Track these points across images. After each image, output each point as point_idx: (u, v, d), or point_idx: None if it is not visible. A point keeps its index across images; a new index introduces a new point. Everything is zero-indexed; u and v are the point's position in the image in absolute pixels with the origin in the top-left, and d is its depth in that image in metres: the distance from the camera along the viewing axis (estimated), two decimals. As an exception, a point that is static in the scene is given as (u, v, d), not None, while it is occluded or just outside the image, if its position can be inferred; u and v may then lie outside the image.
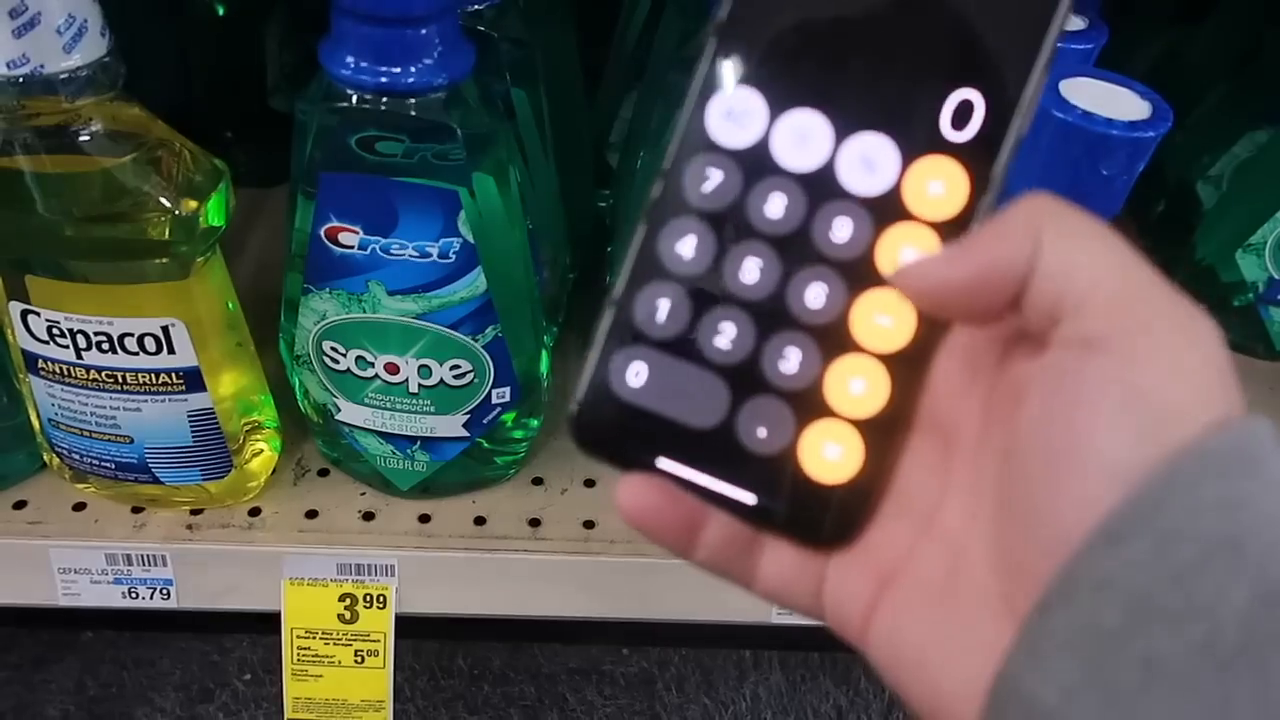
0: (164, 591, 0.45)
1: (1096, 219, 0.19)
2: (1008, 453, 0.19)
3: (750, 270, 0.21)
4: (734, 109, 0.22)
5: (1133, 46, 0.63)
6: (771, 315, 0.22)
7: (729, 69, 0.22)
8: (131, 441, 0.42)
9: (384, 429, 0.44)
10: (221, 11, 0.63)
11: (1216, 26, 0.63)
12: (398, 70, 0.34)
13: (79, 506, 0.45)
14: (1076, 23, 0.39)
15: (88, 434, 0.42)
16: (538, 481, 0.48)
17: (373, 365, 0.41)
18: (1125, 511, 0.17)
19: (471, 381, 0.42)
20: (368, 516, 0.46)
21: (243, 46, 0.63)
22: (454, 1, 0.35)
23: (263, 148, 0.61)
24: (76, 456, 0.43)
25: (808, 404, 0.21)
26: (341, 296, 0.39)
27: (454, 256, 0.38)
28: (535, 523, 0.46)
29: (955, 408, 0.21)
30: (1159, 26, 0.65)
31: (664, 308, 0.22)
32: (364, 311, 0.40)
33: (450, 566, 0.45)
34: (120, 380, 0.40)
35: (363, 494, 0.47)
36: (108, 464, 0.43)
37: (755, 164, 0.22)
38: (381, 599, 0.45)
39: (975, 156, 0.21)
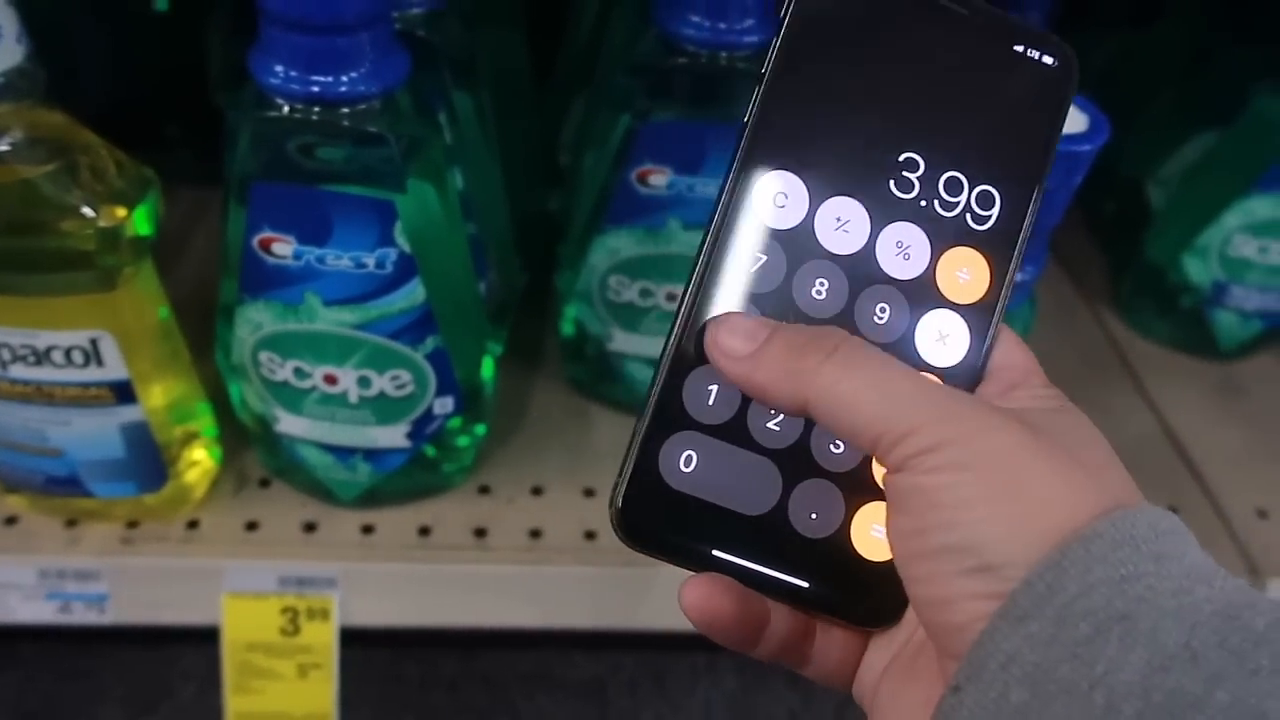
0: (99, 606, 0.44)
1: (870, 355, 0.20)
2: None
3: None
4: (777, 191, 0.22)
5: (1084, 50, 0.64)
6: None
7: (768, 152, 0.22)
8: (62, 455, 0.41)
9: (324, 440, 0.43)
10: (164, 6, 0.61)
11: (1165, 31, 0.63)
12: (329, 79, 0.34)
13: (11, 520, 0.44)
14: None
15: (16, 447, 0.41)
16: (484, 490, 0.48)
17: (311, 376, 0.40)
18: (1025, 593, 0.18)
19: (412, 392, 0.41)
20: (309, 528, 0.45)
21: (185, 42, 0.62)
22: (385, 7, 0.34)
23: (208, 145, 0.59)
24: (6, 470, 0.42)
25: (856, 485, 0.22)
26: (277, 307, 0.39)
27: (391, 267, 0.37)
28: (481, 532, 0.46)
29: None
30: (1111, 31, 0.65)
31: (714, 392, 0.22)
32: (300, 322, 0.39)
33: (394, 578, 0.44)
34: (48, 394, 0.39)
35: (305, 505, 0.46)
36: (38, 477, 0.42)
37: (799, 246, 0.22)
38: (324, 611, 0.44)
39: (995, 247, 0.22)
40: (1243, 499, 0.51)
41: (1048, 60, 0.22)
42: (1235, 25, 0.58)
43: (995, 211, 0.22)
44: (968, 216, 0.22)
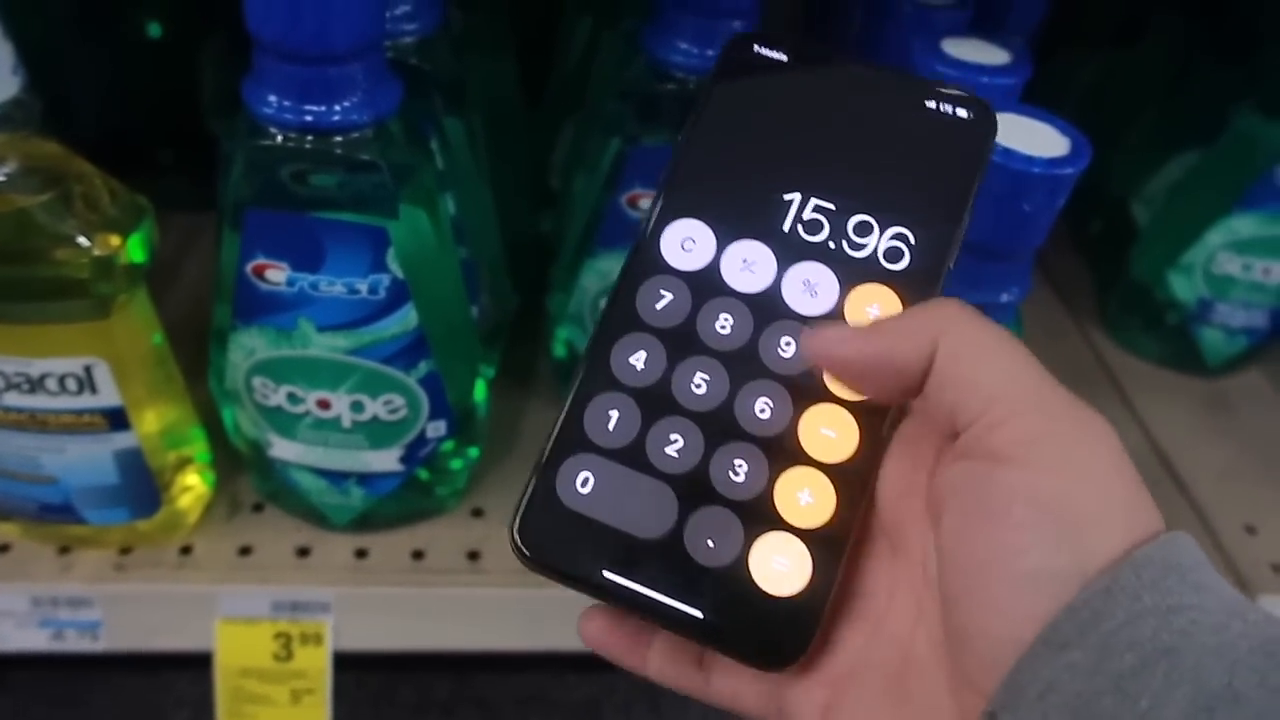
0: (92, 634, 0.44)
1: (997, 327, 0.20)
2: (937, 561, 0.20)
3: (699, 383, 0.22)
4: (685, 237, 0.23)
5: (1069, 71, 0.65)
6: (720, 428, 0.22)
7: (682, 201, 0.23)
8: (56, 482, 0.41)
9: (318, 464, 0.43)
10: (157, 33, 0.62)
11: (1148, 52, 0.64)
12: (322, 108, 0.34)
13: (3, 548, 0.44)
14: (1001, 56, 0.39)
15: (9, 475, 0.41)
16: (478, 513, 0.48)
17: (304, 401, 0.40)
18: (1068, 619, 0.17)
19: (405, 416, 0.41)
20: (303, 552, 0.45)
21: (179, 70, 0.62)
22: (377, 38, 0.34)
23: (202, 172, 0.60)
24: (-1, 497, 0.42)
25: (757, 515, 0.22)
26: (270, 333, 0.39)
27: (384, 292, 0.38)
28: (475, 555, 0.46)
29: (900, 507, 0.22)
30: (1095, 51, 0.66)
31: (614, 417, 0.22)
32: (294, 348, 0.39)
33: (388, 602, 0.44)
34: (41, 421, 0.39)
35: (298, 529, 0.46)
36: (31, 505, 0.42)
37: (705, 286, 0.23)
38: (317, 636, 0.44)
39: (909, 285, 0.22)
40: (1231, 515, 0.51)
41: (962, 114, 0.24)
42: (1216, 46, 0.59)
43: (909, 253, 0.23)
44: (879, 257, 0.23)
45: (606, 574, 0.21)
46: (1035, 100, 0.37)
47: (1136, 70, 0.65)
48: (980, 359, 0.19)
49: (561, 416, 0.22)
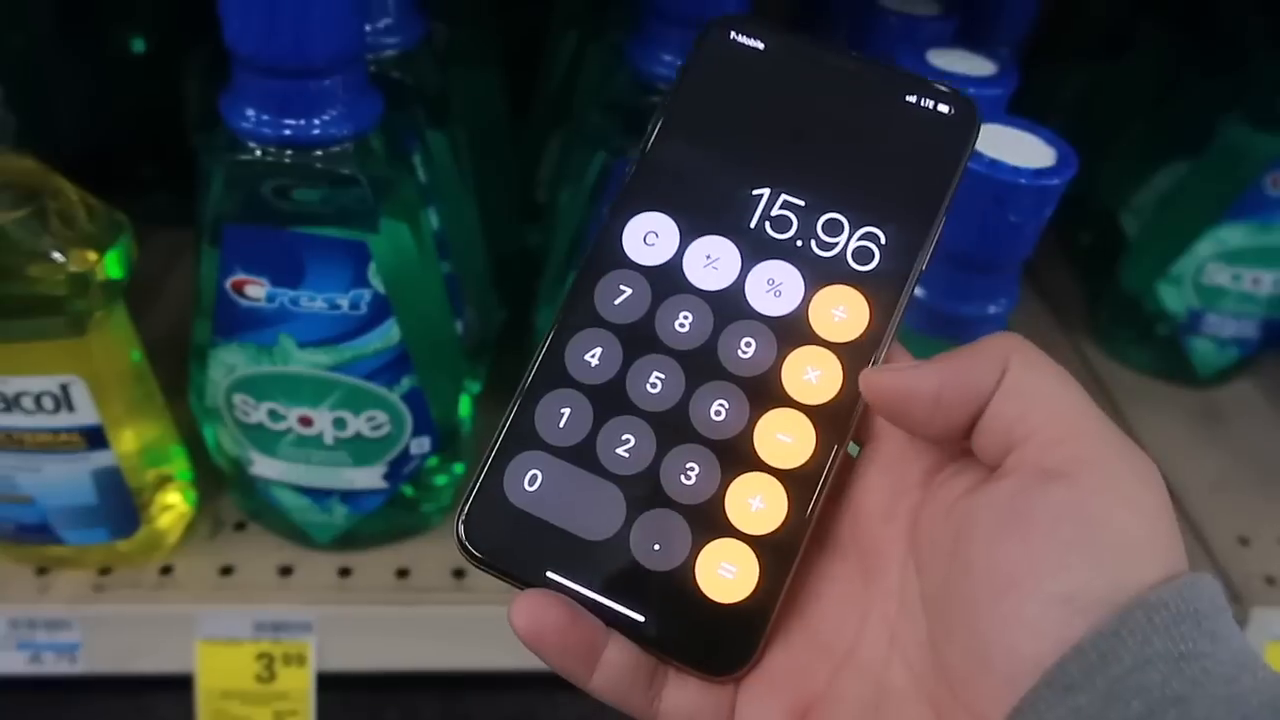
0: (70, 656, 0.43)
1: (1052, 362, 0.20)
2: (948, 580, 0.19)
3: (654, 383, 0.22)
4: (648, 230, 0.22)
5: (1057, 83, 0.65)
6: (673, 429, 0.22)
7: (644, 193, 0.23)
8: (32, 502, 0.40)
9: (300, 482, 0.42)
10: (140, 49, 0.61)
11: (1135, 64, 0.64)
12: (301, 122, 0.34)
13: (-20, 569, 0.44)
14: (987, 67, 0.39)
15: (-15, 495, 0.40)
16: (463, 530, 0.47)
17: (286, 418, 0.40)
18: (1074, 660, 0.17)
19: (389, 432, 0.41)
20: (285, 571, 0.44)
21: (163, 84, 0.62)
22: (356, 51, 0.34)
23: (185, 187, 0.59)
24: (-25, 518, 0.41)
25: (706, 520, 0.21)
26: (250, 349, 0.38)
27: (365, 308, 0.37)
28: (460, 573, 0.45)
29: (879, 534, 0.21)
30: (1083, 63, 0.66)
31: (565, 414, 0.22)
32: (274, 364, 0.38)
33: (371, 621, 0.44)
34: (18, 440, 0.38)
35: (280, 548, 0.45)
36: (8, 525, 0.41)
37: (666, 282, 0.22)
38: (300, 657, 0.43)
39: (877, 287, 0.22)
40: (1224, 526, 0.51)
41: (943, 109, 0.23)
42: (1204, 57, 0.59)
43: (878, 254, 0.22)
44: (848, 257, 0.22)
45: (550, 574, 0.21)
46: (1023, 112, 0.37)
47: (1124, 81, 0.65)
48: (1048, 379, 0.19)
49: (512, 411, 0.22)
